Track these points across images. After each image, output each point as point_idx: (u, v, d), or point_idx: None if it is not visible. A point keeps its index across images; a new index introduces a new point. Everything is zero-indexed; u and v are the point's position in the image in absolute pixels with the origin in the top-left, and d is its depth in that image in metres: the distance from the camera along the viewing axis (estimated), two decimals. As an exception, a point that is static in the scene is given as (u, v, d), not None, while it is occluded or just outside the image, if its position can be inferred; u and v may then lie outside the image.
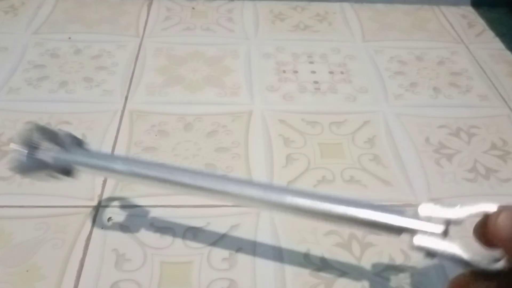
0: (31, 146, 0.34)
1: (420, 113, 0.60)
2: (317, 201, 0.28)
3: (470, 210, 0.25)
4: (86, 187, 0.48)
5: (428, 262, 0.42)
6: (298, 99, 0.61)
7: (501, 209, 0.22)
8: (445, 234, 0.25)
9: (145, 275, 0.40)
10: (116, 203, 0.46)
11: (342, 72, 0.66)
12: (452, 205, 0.25)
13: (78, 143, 0.35)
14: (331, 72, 0.66)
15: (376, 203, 0.28)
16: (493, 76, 0.67)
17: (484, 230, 0.23)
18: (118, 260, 0.41)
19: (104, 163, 0.33)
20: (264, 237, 0.44)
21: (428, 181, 0.51)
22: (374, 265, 0.42)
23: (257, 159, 0.52)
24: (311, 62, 0.68)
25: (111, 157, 0.33)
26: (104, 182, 0.48)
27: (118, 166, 0.32)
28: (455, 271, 0.24)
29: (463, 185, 0.50)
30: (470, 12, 0.83)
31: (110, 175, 0.35)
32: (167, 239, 0.43)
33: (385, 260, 0.43)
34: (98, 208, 0.46)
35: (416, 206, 0.26)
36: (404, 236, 0.26)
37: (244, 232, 0.44)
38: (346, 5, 0.82)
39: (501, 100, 0.63)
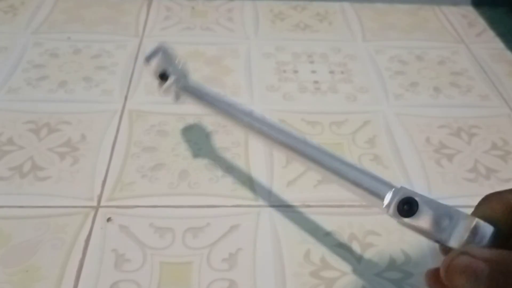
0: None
1: (420, 113, 0.60)
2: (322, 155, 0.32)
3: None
4: (86, 187, 0.47)
5: (429, 262, 0.42)
6: (298, 99, 0.61)
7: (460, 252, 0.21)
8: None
9: (145, 276, 0.40)
10: (115, 203, 0.46)
11: (342, 72, 0.66)
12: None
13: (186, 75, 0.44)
14: (331, 72, 0.66)
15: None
16: (493, 76, 0.67)
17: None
18: (118, 260, 0.41)
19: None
20: (264, 237, 0.44)
21: (428, 181, 0.50)
22: (374, 265, 0.42)
23: (257, 159, 0.52)
24: (311, 62, 0.68)
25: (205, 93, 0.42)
26: (104, 182, 0.48)
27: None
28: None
29: (463, 185, 0.50)
30: (470, 11, 0.82)
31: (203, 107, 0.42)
32: (167, 239, 0.43)
33: (385, 260, 0.42)
34: (98, 208, 0.46)
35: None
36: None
37: (244, 232, 0.44)
38: (346, 4, 0.82)
39: (501, 100, 0.63)
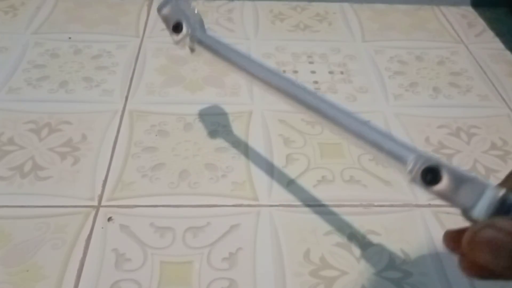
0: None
1: (420, 113, 0.60)
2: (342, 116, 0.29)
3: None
4: (86, 187, 0.48)
5: (428, 262, 0.42)
6: (298, 99, 0.61)
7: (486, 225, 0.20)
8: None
9: (145, 275, 0.40)
10: (116, 203, 0.46)
11: (342, 72, 0.66)
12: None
13: (202, 26, 0.41)
14: (331, 72, 0.66)
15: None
16: (493, 76, 0.67)
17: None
18: (118, 260, 0.41)
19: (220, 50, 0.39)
20: (264, 237, 0.44)
21: (428, 181, 0.50)
22: (374, 265, 0.42)
23: (257, 159, 0.52)
24: (311, 62, 0.68)
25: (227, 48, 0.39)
26: (105, 182, 0.48)
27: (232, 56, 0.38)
28: (453, 267, 0.24)
29: (463, 185, 0.50)
30: (470, 12, 0.83)
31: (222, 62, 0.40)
32: (167, 239, 0.43)
33: (385, 260, 0.43)
34: (98, 208, 0.46)
35: (415, 205, 0.26)
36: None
37: (244, 232, 0.44)
38: (346, 5, 0.82)
39: (501, 100, 0.63)
